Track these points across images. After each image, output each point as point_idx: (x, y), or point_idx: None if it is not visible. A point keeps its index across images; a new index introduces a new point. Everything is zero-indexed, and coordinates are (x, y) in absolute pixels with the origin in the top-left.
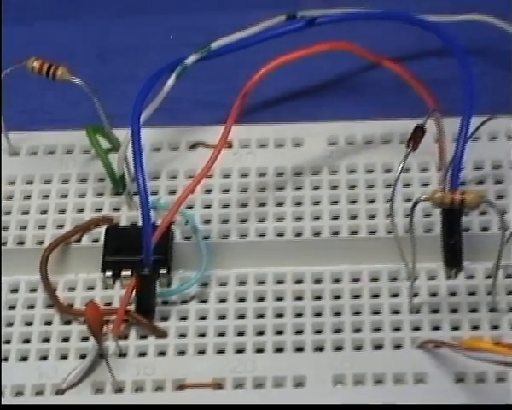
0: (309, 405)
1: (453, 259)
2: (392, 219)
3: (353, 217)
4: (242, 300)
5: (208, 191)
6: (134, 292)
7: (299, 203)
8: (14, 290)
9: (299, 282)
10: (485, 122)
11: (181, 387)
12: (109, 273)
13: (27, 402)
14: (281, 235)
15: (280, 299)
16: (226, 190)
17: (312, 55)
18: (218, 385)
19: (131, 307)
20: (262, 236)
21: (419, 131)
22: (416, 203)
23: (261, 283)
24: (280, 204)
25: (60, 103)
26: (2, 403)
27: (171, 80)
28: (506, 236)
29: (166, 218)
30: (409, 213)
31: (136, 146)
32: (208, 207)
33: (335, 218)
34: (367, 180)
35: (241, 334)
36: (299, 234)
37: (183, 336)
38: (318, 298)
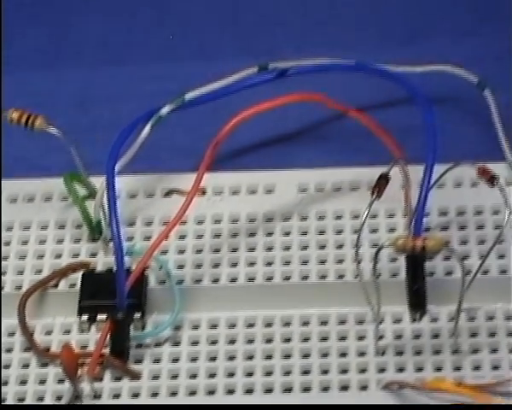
0: (309, 405)
1: (417, 303)
2: (357, 265)
3: (322, 262)
4: (214, 343)
5: (182, 237)
6: (109, 335)
7: (270, 248)
8: None
9: (269, 325)
10: (448, 170)
11: None
12: (85, 317)
13: None
14: (252, 279)
15: (250, 342)
16: (199, 236)
17: (282, 106)
18: None
19: (106, 350)
20: (234, 280)
21: (383, 180)
22: (379, 249)
23: (232, 326)
24: (251, 249)
25: (39, 152)
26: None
27: (147, 130)
28: (466, 281)
29: (140, 264)
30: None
31: (111, 193)
32: (182, 252)
33: (305, 263)
34: (335, 226)
35: (212, 376)
36: (269, 279)
37: (156, 378)
38: (287, 341)
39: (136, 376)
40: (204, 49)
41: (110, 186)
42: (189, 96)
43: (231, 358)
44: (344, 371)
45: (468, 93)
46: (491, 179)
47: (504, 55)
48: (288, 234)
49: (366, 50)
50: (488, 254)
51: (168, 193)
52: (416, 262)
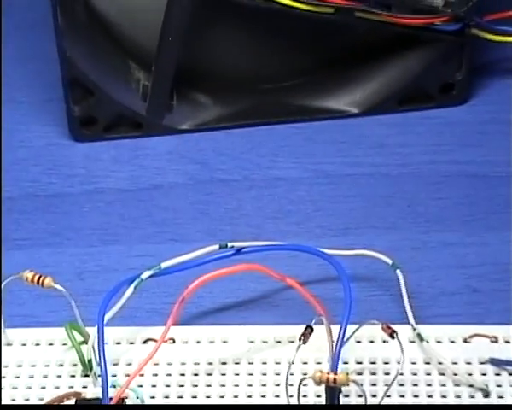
0: (309, 405)
1: None
2: (287, 397)
3: (263, 396)
4: None
5: (155, 374)
6: None
7: (223, 385)
8: None
9: None
10: (358, 328)
11: None
12: None
13: None
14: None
15: None
16: (168, 374)
17: (232, 274)
18: None
19: None
20: None
21: (308, 329)
22: (301, 381)
23: None
24: (208, 386)
25: (44, 310)
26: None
27: (131, 290)
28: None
29: (118, 392)
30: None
31: (100, 339)
32: (154, 386)
33: (250, 396)
34: (275, 369)
35: None
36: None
37: None
38: None
39: None
40: (180, 235)
41: (100, 334)
42: (165, 265)
43: None
44: None
45: (385, 272)
46: (392, 334)
47: (416, 245)
48: (237, 374)
49: (309, 237)
50: (388, 390)
51: (145, 341)
52: (333, 393)
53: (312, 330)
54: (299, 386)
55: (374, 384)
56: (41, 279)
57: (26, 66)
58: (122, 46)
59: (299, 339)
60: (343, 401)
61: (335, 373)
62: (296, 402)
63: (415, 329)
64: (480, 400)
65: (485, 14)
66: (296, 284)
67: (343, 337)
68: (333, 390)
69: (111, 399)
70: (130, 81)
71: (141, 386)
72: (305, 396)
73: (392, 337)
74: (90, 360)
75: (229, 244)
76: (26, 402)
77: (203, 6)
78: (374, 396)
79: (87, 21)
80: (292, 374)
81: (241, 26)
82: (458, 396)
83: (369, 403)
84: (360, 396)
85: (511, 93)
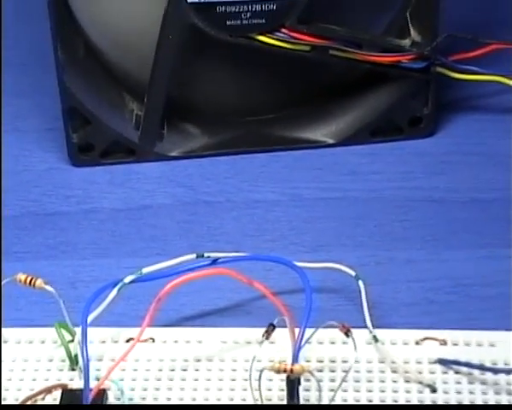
0: (309, 405)
1: None
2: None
3: (232, 389)
4: None
5: (135, 369)
6: None
7: (196, 379)
8: None
9: None
10: (316, 330)
11: None
12: None
13: None
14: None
15: None
16: (147, 369)
17: (203, 278)
18: None
19: None
20: (169, 399)
21: (271, 326)
22: (261, 371)
23: None
24: (183, 380)
25: (37, 313)
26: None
27: (114, 292)
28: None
29: (99, 382)
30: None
31: (84, 334)
32: (134, 380)
33: (220, 389)
34: (244, 366)
35: None
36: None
37: None
38: None
39: None
40: (166, 250)
41: (84, 333)
42: (146, 271)
43: None
44: None
45: (351, 285)
46: (347, 332)
47: (381, 261)
48: (209, 370)
49: (284, 253)
50: (342, 383)
51: (128, 340)
52: (292, 385)
53: (274, 327)
54: (260, 375)
55: (332, 380)
56: (32, 281)
57: (30, 98)
58: (117, 79)
59: (263, 335)
60: (303, 394)
61: (292, 365)
62: (258, 393)
63: (371, 332)
64: (427, 395)
65: (450, 54)
66: (263, 288)
67: (303, 334)
68: (292, 382)
69: (92, 390)
70: (124, 111)
71: (122, 380)
72: (269, 390)
73: (347, 336)
74: (76, 355)
75: (206, 254)
76: (18, 392)
77: (191, 44)
78: (332, 390)
79: (85, 56)
80: (261, 371)
81: (225, 62)
82: (408, 392)
83: (324, 396)
84: (318, 391)
85: (473, 127)
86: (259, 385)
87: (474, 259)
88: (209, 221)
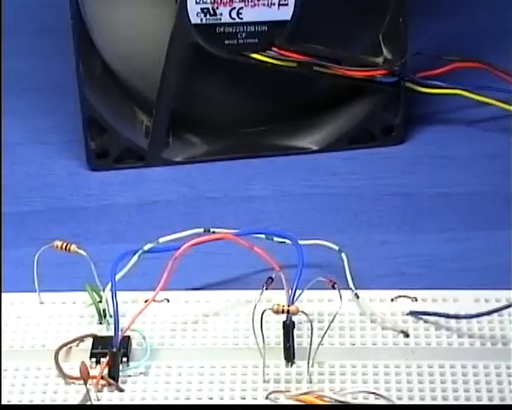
0: (309, 405)
1: (288, 355)
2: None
3: (236, 337)
4: (168, 376)
5: (153, 323)
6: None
7: (205, 330)
8: None
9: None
10: (304, 289)
11: None
12: (93, 360)
13: None
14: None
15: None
16: (163, 322)
17: (211, 241)
18: None
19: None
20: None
21: (269, 280)
22: (263, 312)
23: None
24: (194, 330)
25: (72, 275)
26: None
27: (135, 258)
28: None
29: (125, 327)
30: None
31: (113, 291)
32: (152, 330)
33: (225, 336)
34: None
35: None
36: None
37: (133, 391)
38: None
39: (120, 390)
40: (171, 225)
41: (113, 291)
42: (162, 240)
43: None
44: None
45: (334, 259)
46: (333, 285)
47: (360, 243)
48: (215, 322)
49: None
50: (328, 328)
51: (146, 300)
52: (288, 329)
53: (273, 280)
54: (262, 316)
55: (320, 329)
56: (67, 246)
57: (49, 118)
58: (129, 95)
59: (262, 286)
60: (296, 333)
61: (289, 306)
62: (260, 333)
63: (353, 290)
64: (401, 340)
65: (418, 71)
66: (261, 252)
67: (297, 283)
68: (288, 326)
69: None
70: (135, 122)
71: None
72: (268, 337)
73: (333, 288)
74: (104, 310)
75: (212, 229)
76: (55, 341)
77: (193, 62)
78: (319, 336)
79: (102, 74)
80: (262, 312)
81: (223, 80)
82: (385, 337)
83: (315, 340)
84: (310, 334)
85: (438, 135)
86: (261, 326)
87: (439, 240)
88: (210, 213)
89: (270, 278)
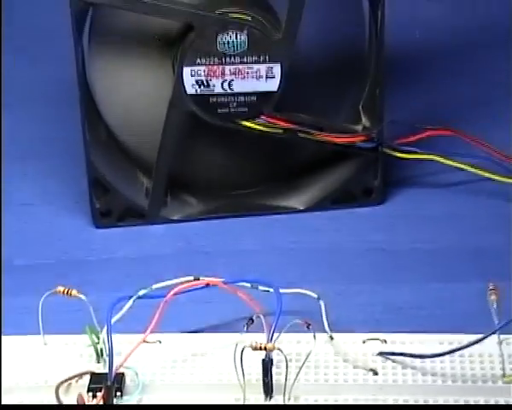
0: (308, 405)
1: (267, 390)
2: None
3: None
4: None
5: (146, 361)
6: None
7: (193, 368)
8: None
9: None
10: (282, 332)
11: None
12: (90, 393)
13: None
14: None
15: None
16: (155, 361)
17: (197, 286)
18: None
19: None
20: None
21: (250, 321)
22: (242, 350)
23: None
24: (183, 368)
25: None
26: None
27: (130, 302)
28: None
29: (118, 364)
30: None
31: (109, 332)
32: (145, 367)
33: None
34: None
35: None
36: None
37: None
38: None
39: None
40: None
41: (108, 332)
42: (155, 286)
43: None
44: None
45: (313, 307)
46: (308, 326)
47: (338, 292)
48: (204, 357)
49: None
50: (302, 366)
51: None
52: (266, 365)
53: (253, 320)
54: (242, 352)
55: (297, 367)
56: (69, 291)
57: (55, 179)
58: (131, 158)
59: (243, 326)
60: (276, 371)
61: (266, 344)
62: (240, 368)
63: (328, 333)
64: (370, 377)
65: (396, 138)
66: (243, 295)
67: (276, 323)
68: (266, 363)
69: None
70: (136, 183)
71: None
72: (249, 374)
73: (308, 328)
74: (101, 350)
75: (201, 278)
76: (56, 378)
77: (189, 129)
78: (296, 373)
79: (106, 138)
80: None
81: (216, 146)
82: (356, 375)
83: (290, 373)
84: (286, 369)
85: (414, 196)
86: (241, 361)
87: (410, 290)
88: (203, 266)
89: (251, 318)
